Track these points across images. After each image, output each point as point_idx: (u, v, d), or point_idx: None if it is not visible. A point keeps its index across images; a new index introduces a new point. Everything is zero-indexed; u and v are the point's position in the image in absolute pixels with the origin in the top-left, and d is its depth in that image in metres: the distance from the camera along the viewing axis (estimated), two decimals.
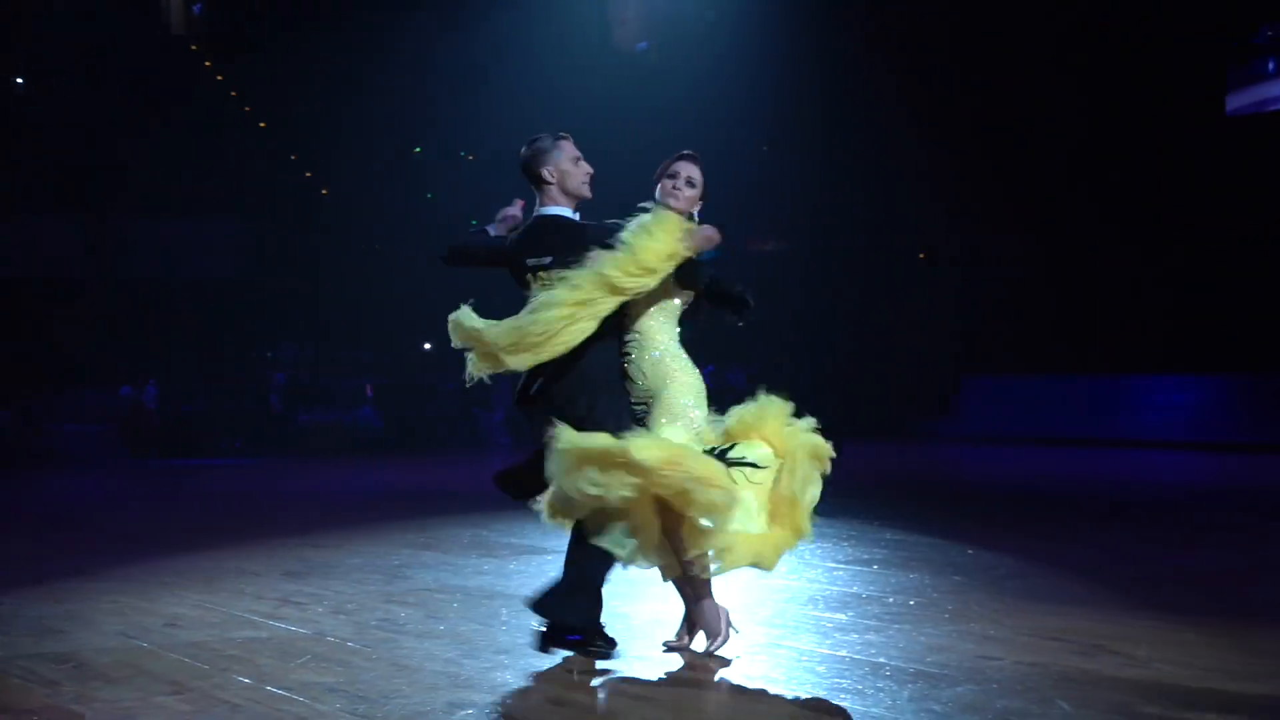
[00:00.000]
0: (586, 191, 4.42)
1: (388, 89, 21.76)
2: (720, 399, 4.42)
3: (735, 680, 4.07)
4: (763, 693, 3.91)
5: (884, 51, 21.98)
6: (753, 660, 4.27)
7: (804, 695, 3.84)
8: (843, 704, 3.71)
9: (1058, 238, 21.72)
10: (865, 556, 6.75)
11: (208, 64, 23.46)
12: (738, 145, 21.14)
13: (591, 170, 4.42)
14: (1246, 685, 3.90)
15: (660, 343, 4.28)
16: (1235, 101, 21.40)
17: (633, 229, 4.15)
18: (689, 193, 4.31)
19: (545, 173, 4.36)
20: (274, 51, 21.52)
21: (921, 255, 24.47)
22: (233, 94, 23.48)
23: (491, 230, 4.59)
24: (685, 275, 4.20)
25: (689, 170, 4.33)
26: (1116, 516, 9.54)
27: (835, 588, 5.76)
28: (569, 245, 4.23)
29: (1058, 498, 11.28)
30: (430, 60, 21.64)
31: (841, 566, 6.39)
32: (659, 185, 4.36)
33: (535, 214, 4.45)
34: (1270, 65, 21.13)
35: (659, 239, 4.10)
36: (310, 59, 21.41)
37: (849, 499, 8.31)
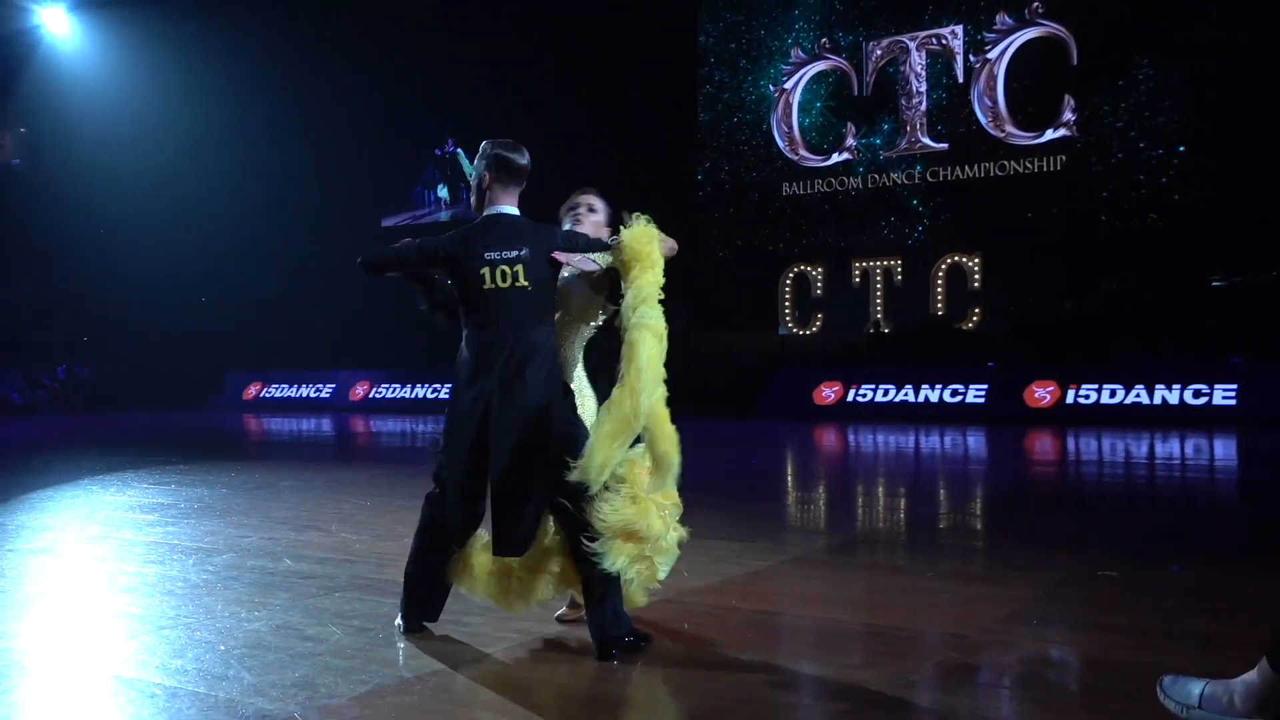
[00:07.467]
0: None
1: None
2: None
3: None
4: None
5: None
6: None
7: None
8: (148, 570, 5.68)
9: None
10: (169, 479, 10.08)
11: None
12: None
13: None
14: None
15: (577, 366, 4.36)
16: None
17: (635, 237, 4.01)
18: (593, 218, 4.31)
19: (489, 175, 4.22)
20: None
21: None
22: None
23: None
24: (615, 288, 4.08)
25: (588, 199, 4.37)
26: None
27: (150, 499, 8.60)
28: (542, 243, 4.14)
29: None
30: None
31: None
32: (565, 221, 4.35)
33: (490, 211, 4.21)
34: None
35: (657, 248, 4.03)
36: None
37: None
